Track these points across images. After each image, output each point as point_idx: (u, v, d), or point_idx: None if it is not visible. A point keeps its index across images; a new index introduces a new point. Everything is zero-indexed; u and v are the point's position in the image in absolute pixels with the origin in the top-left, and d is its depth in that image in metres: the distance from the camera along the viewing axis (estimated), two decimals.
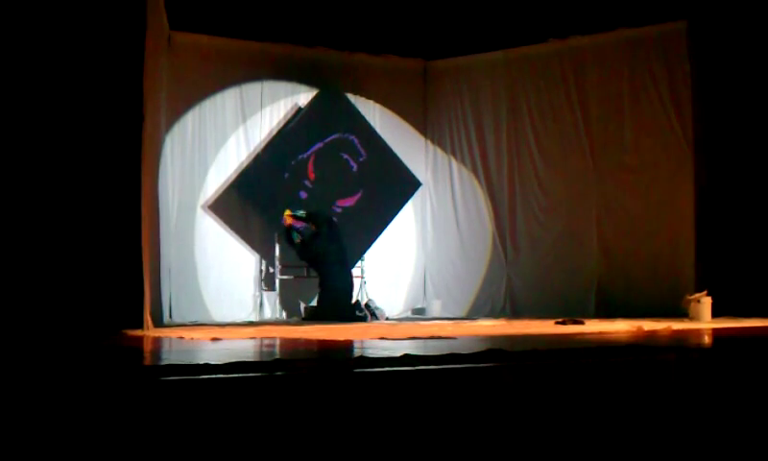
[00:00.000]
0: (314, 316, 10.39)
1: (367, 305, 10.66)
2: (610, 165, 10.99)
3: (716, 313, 9.08)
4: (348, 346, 5.53)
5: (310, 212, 10.81)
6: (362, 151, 11.69)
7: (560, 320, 8.61)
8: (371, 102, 12.09)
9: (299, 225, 10.67)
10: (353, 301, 10.77)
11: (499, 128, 11.85)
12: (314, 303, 10.93)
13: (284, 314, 11.38)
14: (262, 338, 6.54)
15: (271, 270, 11.40)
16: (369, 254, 11.74)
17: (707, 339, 6.21)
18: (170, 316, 10.11)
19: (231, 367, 3.53)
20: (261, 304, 11.32)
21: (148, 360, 4.49)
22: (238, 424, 3.12)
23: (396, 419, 3.36)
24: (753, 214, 9.88)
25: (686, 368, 4.28)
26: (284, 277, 11.38)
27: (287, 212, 10.71)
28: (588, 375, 4.00)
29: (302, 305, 10.91)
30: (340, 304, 10.46)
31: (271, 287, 11.40)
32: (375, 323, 9.91)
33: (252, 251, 11.38)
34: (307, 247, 10.63)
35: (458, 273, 12.15)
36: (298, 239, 10.62)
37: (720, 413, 3.94)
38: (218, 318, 10.57)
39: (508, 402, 3.61)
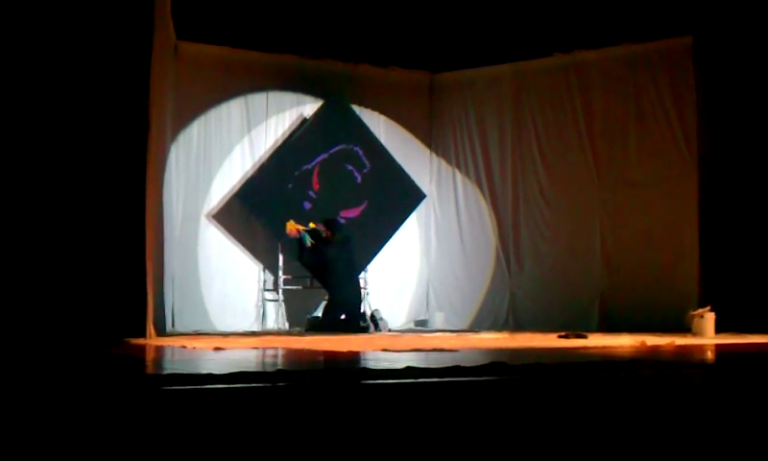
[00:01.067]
0: (317, 326, 10.39)
1: (372, 316, 10.65)
2: (614, 180, 10.98)
3: (720, 329, 9.05)
4: (350, 357, 5.53)
5: (326, 219, 10.77)
6: (366, 162, 11.70)
7: (562, 334, 8.59)
8: (376, 113, 12.10)
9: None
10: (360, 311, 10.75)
11: (504, 141, 11.85)
12: (317, 313, 10.93)
13: (287, 324, 11.38)
14: (265, 348, 6.54)
15: (274, 280, 11.39)
16: (372, 266, 11.74)
17: (710, 355, 6.19)
18: (173, 325, 10.11)
19: (234, 377, 3.53)
20: (264, 314, 11.31)
21: (150, 369, 4.49)
22: (240, 434, 3.12)
23: (399, 431, 3.35)
24: (757, 230, 9.87)
25: (689, 383, 4.27)
26: (287, 287, 11.38)
27: (294, 224, 10.68)
28: (590, 389, 3.99)
29: (309, 319, 10.88)
30: (346, 316, 10.44)
31: (274, 297, 11.40)
32: (378, 334, 9.90)
33: (256, 260, 11.39)
34: (319, 252, 10.56)
35: (461, 285, 12.13)
36: (309, 243, 10.55)
37: (723, 429, 3.93)
38: (221, 327, 10.56)
39: (511, 416, 3.60)
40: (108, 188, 7.23)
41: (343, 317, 10.45)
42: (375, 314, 10.72)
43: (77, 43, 7.20)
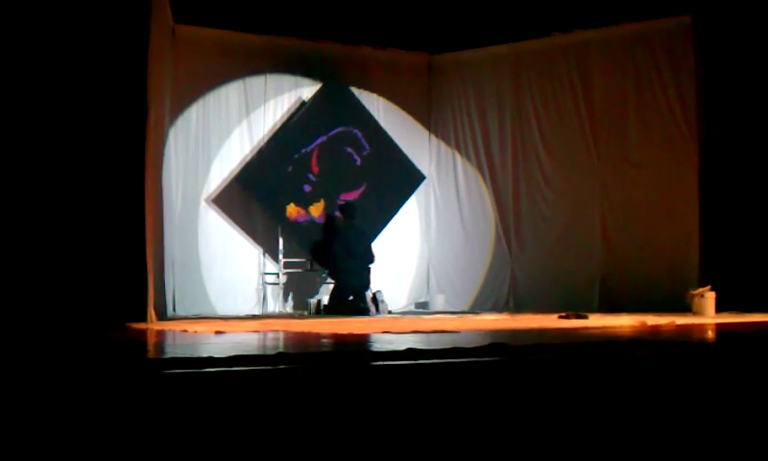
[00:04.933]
0: (322, 310, 10.47)
1: (373, 298, 10.68)
2: (614, 159, 10.97)
3: (720, 308, 9.06)
4: (351, 340, 5.54)
5: (343, 203, 10.86)
6: (366, 144, 11.68)
7: (563, 314, 8.60)
8: (375, 95, 12.07)
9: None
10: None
11: (504, 121, 11.83)
12: (319, 296, 10.96)
13: (288, 307, 11.39)
14: (265, 331, 6.55)
15: (274, 263, 11.40)
16: (372, 248, 11.73)
17: (710, 334, 6.20)
18: (174, 309, 10.12)
19: (235, 360, 3.54)
20: (265, 298, 11.32)
21: (151, 353, 4.50)
22: (241, 417, 3.13)
23: (399, 412, 3.36)
24: (757, 209, 9.86)
25: (690, 363, 4.28)
26: (288, 270, 11.39)
27: (294, 208, 10.81)
28: (591, 369, 4.00)
29: (311, 302, 10.91)
30: (352, 300, 10.49)
31: (275, 281, 11.40)
32: (378, 317, 9.92)
33: (256, 244, 11.39)
34: (329, 236, 10.67)
35: (461, 267, 12.14)
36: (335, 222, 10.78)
37: (724, 408, 3.94)
38: (222, 311, 10.58)
39: (511, 397, 3.61)
40: (107, 173, 7.23)
41: (350, 298, 10.52)
42: (378, 296, 10.76)
43: (74, 27, 7.18)
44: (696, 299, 9.15)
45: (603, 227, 11.01)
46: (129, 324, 6.88)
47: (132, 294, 7.20)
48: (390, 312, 10.73)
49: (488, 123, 11.95)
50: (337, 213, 10.89)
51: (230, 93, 11.24)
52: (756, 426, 3.91)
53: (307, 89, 11.66)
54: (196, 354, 3.99)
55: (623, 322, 7.42)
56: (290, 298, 11.44)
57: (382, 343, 5.00)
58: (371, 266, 10.82)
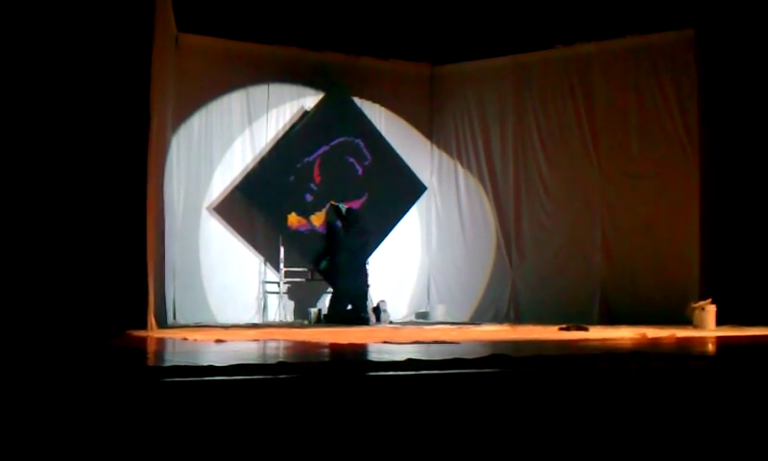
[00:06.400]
0: (324, 319, 10.49)
1: (376, 308, 10.68)
2: (615, 172, 10.97)
3: (720, 321, 9.06)
4: (352, 350, 5.53)
5: (348, 209, 10.92)
6: (368, 154, 11.69)
7: (564, 326, 8.59)
8: (377, 106, 12.09)
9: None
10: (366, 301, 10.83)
11: (505, 133, 11.84)
12: (320, 305, 10.97)
13: (288, 316, 11.39)
14: (266, 341, 6.55)
15: (275, 272, 11.40)
16: (373, 258, 11.74)
17: (711, 347, 6.20)
18: (174, 317, 10.12)
19: (235, 369, 3.54)
20: (265, 307, 11.32)
21: (151, 361, 4.50)
22: (241, 426, 3.12)
23: (400, 423, 3.36)
24: (758, 222, 9.86)
25: (690, 376, 4.27)
26: (288, 279, 11.39)
27: (296, 217, 10.89)
28: (591, 381, 4.00)
29: (312, 311, 10.92)
30: (352, 306, 10.50)
31: (275, 289, 11.40)
32: (379, 326, 9.92)
33: (257, 253, 11.39)
34: (337, 239, 10.72)
35: (462, 277, 12.14)
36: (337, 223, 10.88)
37: (724, 421, 3.93)
38: (222, 320, 10.57)
39: (511, 408, 3.61)
40: (109, 180, 7.24)
41: (349, 307, 10.52)
42: (381, 306, 10.75)
43: (78, 36, 7.20)
44: (697, 312, 9.15)
45: (604, 239, 11.02)
46: (129, 331, 6.87)
47: (132, 301, 7.20)
48: (390, 322, 10.72)
49: (489, 134, 11.97)
50: (338, 224, 10.91)
51: (233, 102, 11.26)
52: (756, 439, 3.90)
53: (310, 99, 11.68)
54: (196, 363, 3.99)
55: (623, 334, 7.42)
56: (291, 307, 11.43)
57: (382, 353, 5.00)
58: (366, 269, 10.85)
